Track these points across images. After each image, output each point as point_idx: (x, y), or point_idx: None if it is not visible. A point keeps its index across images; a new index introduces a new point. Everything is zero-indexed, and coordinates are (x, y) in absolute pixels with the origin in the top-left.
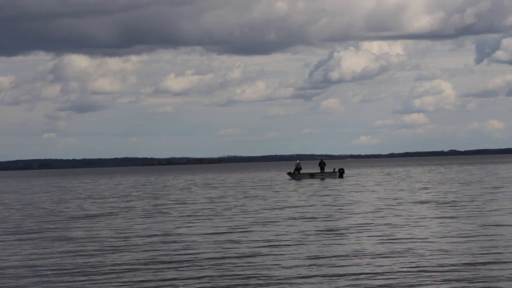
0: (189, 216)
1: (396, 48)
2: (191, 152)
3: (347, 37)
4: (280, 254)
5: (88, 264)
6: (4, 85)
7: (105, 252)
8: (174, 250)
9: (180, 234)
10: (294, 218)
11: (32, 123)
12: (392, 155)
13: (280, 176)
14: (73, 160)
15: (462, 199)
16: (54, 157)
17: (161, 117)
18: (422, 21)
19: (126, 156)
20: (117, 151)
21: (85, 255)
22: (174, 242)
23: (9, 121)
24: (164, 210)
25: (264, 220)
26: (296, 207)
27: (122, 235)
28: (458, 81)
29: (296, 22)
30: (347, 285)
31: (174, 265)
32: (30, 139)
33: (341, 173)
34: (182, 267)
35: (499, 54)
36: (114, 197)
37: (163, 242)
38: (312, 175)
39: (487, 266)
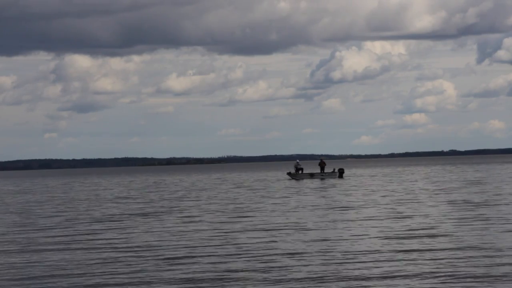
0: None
1: (398, 48)
2: (191, 152)
3: (348, 37)
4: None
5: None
6: (6, 85)
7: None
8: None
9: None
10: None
11: (33, 123)
12: (392, 155)
13: (284, 175)
14: (73, 160)
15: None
16: (54, 157)
17: (162, 117)
18: (424, 21)
19: (126, 156)
20: (117, 151)
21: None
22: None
23: (10, 121)
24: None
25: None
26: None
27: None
28: (460, 81)
29: (298, 22)
30: None
31: None
32: (31, 139)
33: (341, 173)
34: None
35: (501, 54)
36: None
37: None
38: (312, 175)
39: None
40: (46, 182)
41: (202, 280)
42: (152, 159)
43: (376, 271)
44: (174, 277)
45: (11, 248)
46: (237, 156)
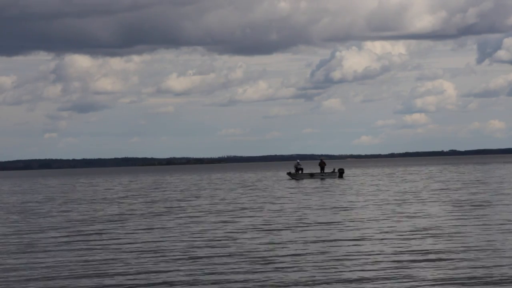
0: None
1: (398, 48)
2: (191, 152)
3: (349, 37)
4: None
5: None
6: (6, 85)
7: None
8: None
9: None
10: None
11: (33, 123)
12: (392, 155)
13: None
14: (73, 160)
15: None
16: (54, 157)
17: (162, 117)
18: (424, 21)
19: (126, 156)
20: (117, 151)
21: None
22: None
23: (10, 121)
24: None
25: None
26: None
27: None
28: (460, 81)
29: (298, 22)
30: None
31: None
32: (31, 139)
33: (341, 173)
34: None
35: (501, 54)
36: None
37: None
38: (312, 175)
39: None
40: (46, 182)
41: (203, 281)
42: (152, 159)
43: (378, 273)
44: (175, 277)
45: (12, 249)
46: (237, 156)
